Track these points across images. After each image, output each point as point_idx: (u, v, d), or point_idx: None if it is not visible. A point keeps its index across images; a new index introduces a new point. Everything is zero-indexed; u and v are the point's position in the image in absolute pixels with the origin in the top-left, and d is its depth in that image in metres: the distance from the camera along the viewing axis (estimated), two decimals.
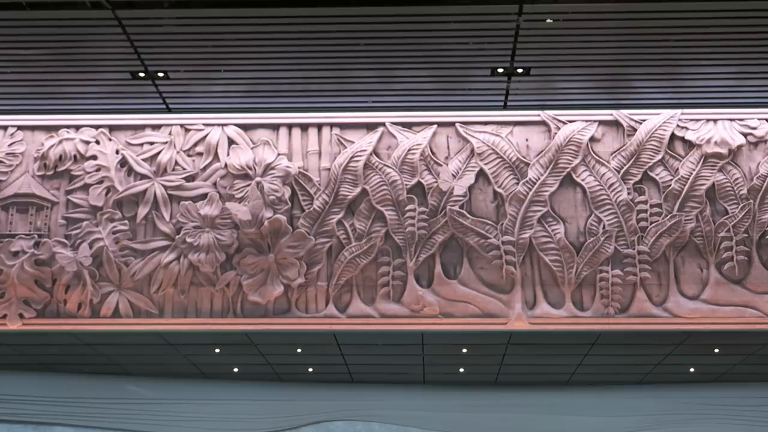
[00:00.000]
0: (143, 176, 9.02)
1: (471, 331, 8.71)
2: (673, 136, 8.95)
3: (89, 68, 8.03)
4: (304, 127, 9.10)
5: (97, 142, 9.10)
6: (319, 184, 8.93)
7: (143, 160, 9.06)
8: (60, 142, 9.09)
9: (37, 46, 7.61)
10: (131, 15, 7.05)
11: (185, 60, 7.93)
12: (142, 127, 9.15)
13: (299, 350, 9.60)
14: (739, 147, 8.89)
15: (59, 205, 9.01)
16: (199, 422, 10.61)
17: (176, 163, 9.03)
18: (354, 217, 8.88)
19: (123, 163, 9.06)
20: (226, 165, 8.99)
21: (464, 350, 9.57)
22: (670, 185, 8.83)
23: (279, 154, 9.00)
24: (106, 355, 9.78)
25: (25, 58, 7.81)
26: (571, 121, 8.99)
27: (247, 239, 8.80)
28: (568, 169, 8.88)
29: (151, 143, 9.10)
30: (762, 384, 10.63)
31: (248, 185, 8.90)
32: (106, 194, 8.97)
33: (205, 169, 9.03)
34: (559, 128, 8.96)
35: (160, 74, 8.13)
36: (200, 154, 9.07)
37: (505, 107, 8.93)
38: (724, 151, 8.86)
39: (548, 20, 7.15)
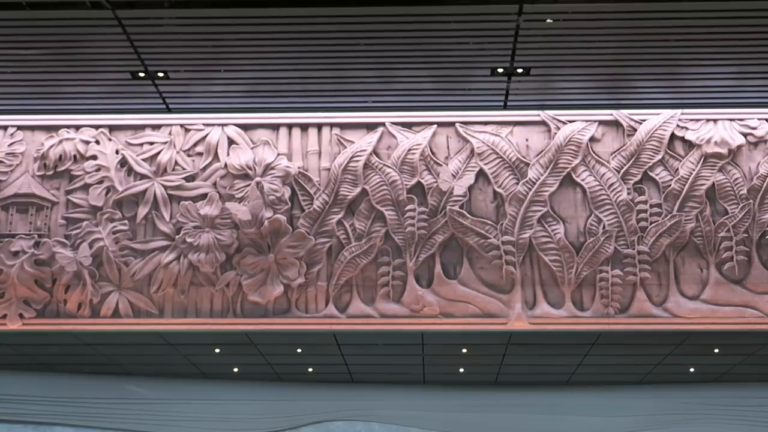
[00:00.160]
0: (143, 176, 9.02)
1: (471, 331, 8.71)
2: (673, 136, 8.95)
3: (89, 68, 8.03)
4: (304, 127, 9.10)
5: (97, 142, 9.10)
6: (319, 184, 8.93)
7: (143, 160, 9.06)
8: (60, 142, 9.09)
9: (37, 46, 7.61)
10: (131, 15, 7.05)
11: (185, 60, 7.93)
12: (142, 127, 9.15)
13: (299, 350, 9.60)
14: (739, 147, 8.89)
15: (59, 205, 9.01)
16: (199, 422, 10.61)
17: (176, 163, 9.03)
18: (354, 217, 8.88)
19: (123, 163, 9.06)
20: (226, 165, 8.99)
21: (464, 350, 9.57)
22: (670, 185, 8.83)
23: (279, 154, 9.00)
24: (106, 355, 9.78)
25: (25, 58, 7.81)
26: (571, 121, 8.99)
27: (247, 239, 8.80)
28: (568, 169, 8.88)
29: (151, 143, 9.11)
30: (762, 384, 10.62)
31: (248, 185, 8.90)
32: (106, 194, 8.97)
33: (205, 169, 9.03)
34: (559, 128, 8.96)
35: (160, 74, 8.13)
36: (200, 154, 9.07)
37: (505, 107, 8.93)
38: (724, 151, 8.86)
39: (548, 20, 7.15)
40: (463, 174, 8.93)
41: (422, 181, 8.92)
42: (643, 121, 8.95)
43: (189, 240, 8.77)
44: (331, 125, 9.09)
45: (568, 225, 8.82)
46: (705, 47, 7.67)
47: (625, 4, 6.93)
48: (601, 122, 9.01)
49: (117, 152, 9.07)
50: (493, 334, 8.79)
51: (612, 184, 8.84)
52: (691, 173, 8.84)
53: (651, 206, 8.82)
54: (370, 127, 9.08)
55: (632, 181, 8.86)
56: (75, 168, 9.06)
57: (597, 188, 8.84)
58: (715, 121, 8.97)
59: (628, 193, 8.82)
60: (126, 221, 8.91)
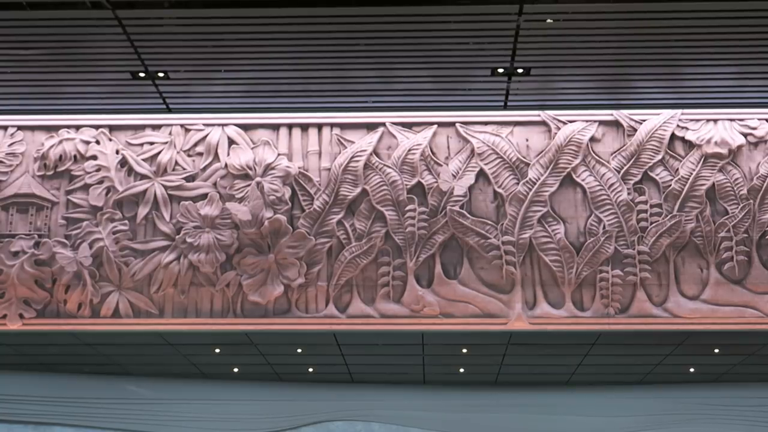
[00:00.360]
0: (143, 176, 9.02)
1: (471, 331, 8.71)
2: (673, 136, 8.95)
3: (89, 68, 8.03)
4: (305, 127, 9.10)
5: (98, 142, 9.10)
6: (320, 184, 8.93)
7: (143, 160, 9.06)
8: (60, 142, 9.09)
9: (37, 46, 7.61)
10: (131, 15, 7.05)
11: (185, 60, 7.93)
12: (143, 127, 9.15)
13: (299, 350, 9.60)
14: (739, 147, 8.89)
15: (59, 205, 9.01)
16: (199, 422, 10.61)
17: (176, 163, 9.03)
18: (354, 217, 8.88)
19: (123, 163, 9.06)
20: (226, 165, 8.99)
21: (464, 350, 9.57)
22: (670, 185, 8.83)
23: (279, 154, 9.00)
24: (106, 355, 9.78)
25: (25, 58, 7.80)
26: (571, 121, 8.99)
27: (247, 239, 8.80)
28: (568, 170, 8.88)
29: (152, 143, 9.11)
30: (762, 384, 10.63)
31: (248, 185, 8.90)
32: (106, 194, 8.97)
33: (205, 169, 9.03)
34: (559, 128, 8.96)
35: (161, 74, 8.13)
36: (200, 154, 9.07)
37: (505, 107, 8.93)
38: (724, 151, 8.86)
39: (548, 20, 7.15)
40: (463, 174, 8.93)
41: (422, 181, 8.92)
42: (644, 121, 8.95)
43: (189, 240, 8.77)
44: (332, 125, 9.09)
45: (568, 225, 8.82)
46: (705, 47, 7.67)
47: (625, 4, 6.93)
48: (601, 122, 9.01)
49: (117, 152, 9.07)
50: (494, 334, 8.79)
51: (612, 184, 8.84)
52: (692, 173, 8.84)
53: (651, 206, 8.82)
54: (371, 127, 9.08)
55: (632, 181, 8.86)
56: (75, 168, 9.06)
57: (597, 188, 8.84)
58: (715, 121, 8.97)
59: (629, 193, 8.82)
60: (126, 221, 8.91)
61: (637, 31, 7.34)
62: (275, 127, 9.11)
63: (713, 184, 8.83)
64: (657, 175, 8.89)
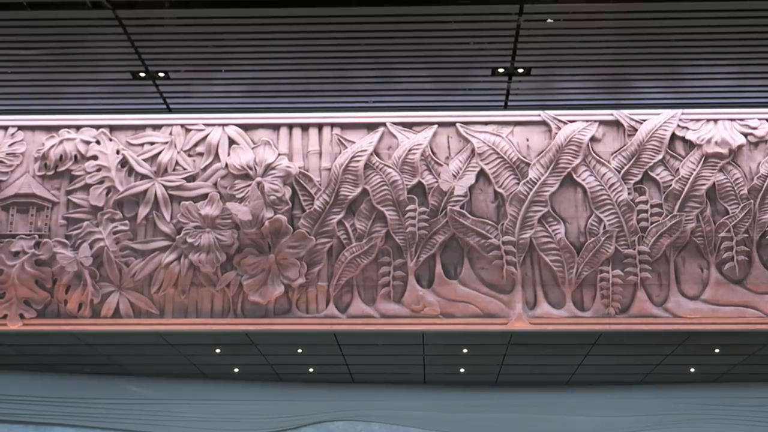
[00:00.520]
0: (144, 176, 9.02)
1: (471, 332, 8.70)
2: (673, 136, 8.95)
3: (90, 68, 8.03)
4: (305, 127, 9.10)
5: (98, 142, 9.10)
6: (320, 184, 8.93)
7: (144, 160, 9.06)
8: (60, 142, 9.09)
9: (38, 46, 7.61)
10: (132, 15, 7.05)
11: (186, 60, 7.93)
12: (143, 127, 9.15)
13: (300, 350, 9.60)
14: (740, 147, 8.89)
15: (60, 206, 9.01)
16: (199, 422, 10.60)
17: (177, 163, 9.03)
18: (354, 217, 8.88)
19: (123, 163, 9.06)
20: (226, 165, 8.99)
21: (465, 350, 9.57)
22: (670, 185, 8.83)
23: (279, 154, 9.00)
24: (107, 355, 9.78)
25: (25, 58, 7.81)
26: (571, 121, 8.99)
27: (247, 239, 8.80)
28: (568, 169, 8.88)
29: (152, 143, 9.11)
30: (762, 384, 10.62)
31: (249, 185, 8.90)
32: (107, 194, 8.97)
33: (205, 169, 9.03)
34: (559, 128, 8.96)
35: (161, 74, 8.13)
36: (201, 154, 9.07)
37: (505, 107, 8.93)
38: (724, 151, 8.86)
39: (549, 20, 7.15)
40: (463, 174, 8.93)
41: (423, 181, 8.92)
42: (644, 121, 8.95)
43: (189, 240, 8.77)
44: (332, 125, 9.09)
45: (568, 225, 8.82)
46: (705, 47, 7.67)
47: (625, 4, 6.93)
48: (601, 122, 9.01)
49: (118, 152, 9.07)
50: (494, 335, 8.79)
51: (612, 184, 8.84)
52: (692, 173, 8.84)
53: (651, 206, 8.82)
54: (371, 127, 9.08)
55: (633, 181, 8.86)
56: (75, 168, 9.06)
57: (597, 188, 8.84)
58: (715, 121, 8.97)
59: (629, 193, 8.82)
60: (126, 221, 8.91)
61: (637, 31, 7.34)
62: (276, 127, 9.11)
63: (714, 184, 8.83)
64: (657, 175, 8.88)
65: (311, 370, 10.50)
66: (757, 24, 7.20)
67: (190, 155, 9.08)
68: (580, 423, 10.66)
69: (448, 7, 6.98)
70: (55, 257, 8.79)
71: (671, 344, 9.16)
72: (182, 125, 9.13)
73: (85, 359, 9.94)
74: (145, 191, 8.97)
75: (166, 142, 9.08)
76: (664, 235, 8.72)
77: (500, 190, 8.87)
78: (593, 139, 8.96)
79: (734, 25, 7.26)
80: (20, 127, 9.18)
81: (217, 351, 9.67)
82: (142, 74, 8.11)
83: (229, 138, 9.06)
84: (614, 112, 8.99)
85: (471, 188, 8.91)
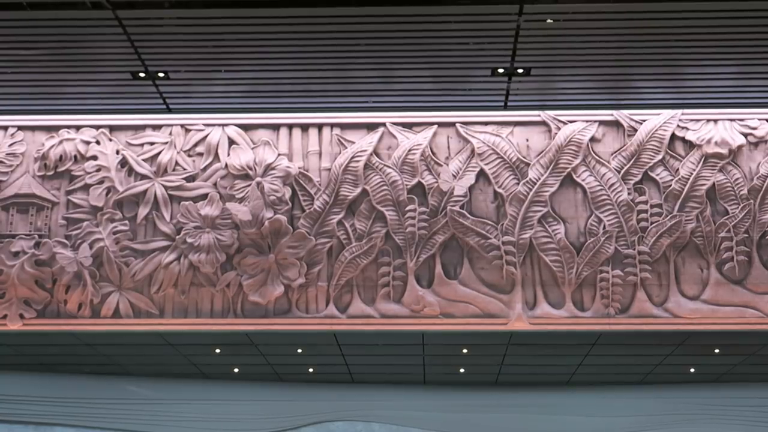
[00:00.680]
0: (144, 176, 9.02)
1: (471, 332, 8.70)
2: (673, 137, 8.95)
3: (89, 68, 8.03)
4: (305, 128, 9.10)
5: (98, 143, 9.10)
6: (320, 185, 8.93)
7: (144, 160, 9.06)
8: (60, 142, 9.09)
9: (38, 46, 7.61)
10: (132, 15, 7.05)
11: (186, 60, 7.93)
12: (143, 128, 9.15)
13: (300, 350, 9.60)
14: (740, 147, 8.89)
15: (59, 206, 9.01)
16: (199, 422, 10.60)
17: (177, 163, 9.03)
18: (354, 217, 8.88)
19: (123, 163, 9.06)
20: (226, 165, 8.99)
21: (465, 350, 9.57)
22: (670, 185, 8.83)
23: (279, 155, 9.00)
24: (107, 356, 9.78)
25: (25, 58, 7.81)
26: (571, 122, 8.99)
27: (247, 239, 8.80)
28: (568, 170, 8.88)
29: (152, 143, 9.11)
30: (762, 384, 10.62)
31: (249, 185, 8.90)
32: (107, 194, 8.97)
33: (205, 169, 9.03)
34: (559, 128, 8.96)
35: (161, 74, 8.13)
36: (201, 154, 9.07)
37: (505, 107, 8.93)
38: (724, 151, 8.86)
39: (548, 20, 7.15)
40: (463, 174, 8.93)
41: (423, 181, 8.92)
42: (644, 121, 8.95)
43: (189, 240, 8.77)
44: (332, 125, 9.09)
45: (568, 225, 8.82)
46: (705, 47, 7.67)
47: (625, 4, 6.93)
48: (601, 122, 9.01)
49: (117, 152, 9.07)
50: (494, 335, 8.79)
51: (612, 185, 8.84)
52: (692, 173, 8.84)
53: (651, 206, 8.82)
54: (371, 127, 9.08)
55: (633, 182, 8.86)
56: (75, 168, 9.06)
57: (597, 188, 8.84)
58: (715, 121, 8.97)
59: (629, 194, 8.82)
60: (126, 221, 8.91)
61: (637, 31, 7.34)
62: (275, 128, 9.11)
63: (713, 184, 8.83)
64: (657, 175, 8.88)
65: (311, 370, 10.50)
66: (757, 24, 7.20)
67: (190, 155, 9.08)
68: (580, 423, 10.66)
69: (448, 7, 6.98)
70: (55, 257, 8.79)
71: (671, 344, 9.16)
72: (182, 125, 9.13)
73: (85, 359, 9.94)
74: (145, 191, 8.97)
75: (166, 143, 9.08)
76: (664, 235, 8.72)
77: (500, 190, 8.87)
78: (593, 139, 8.96)
79: (734, 25, 7.26)
80: (20, 127, 9.18)
81: (217, 351, 9.67)
82: (142, 74, 8.11)
83: (229, 138, 9.06)
84: (614, 112, 8.99)
85: (471, 188, 8.91)
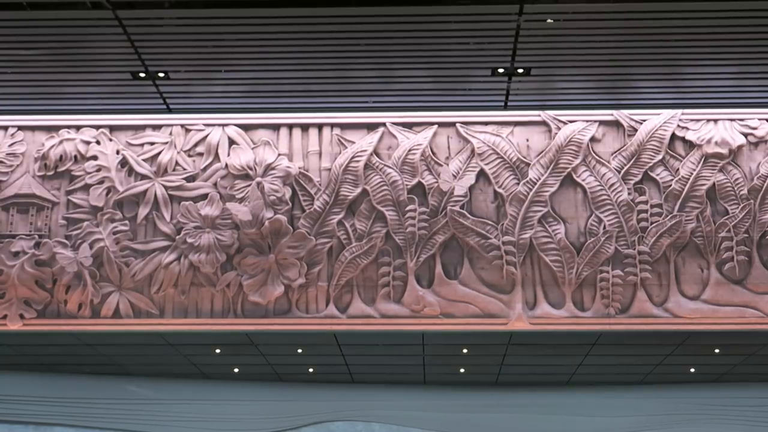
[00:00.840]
0: (144, 176, 9.02)
1: (471, 332, 8.70)
2: (673, 137, 8.95)
3: (90, 68, 8.03)
4: (305, 128, 9.10)
5: (98, 143, 9.10)
6: (320, 185, 8.93)
7: (144, 160, 9.06)
8: (60, 142, 9.09)
9: (38, 46, 7.61)
10: (132, 15, 7.05)
11: (186, 60, 7.93)
12: (143, 128, 9.15)
13: (300, 350, 9.60)
14: (740, 147, 8.89)
15: (60, 206, 9.01)
16: (199, 422, 10.61)
17: (177, 163, 9.03)
18: (354, 217, 8.88)
19: (123, 163, 9.06)
20: (226, 165, 8.99)
21: (465, 350, 9.57)
22: (670, 185, 8.83)
23: (279, 155, 9.00)
24: (107, 356, 9.78)
25: (25, 58, 7.81)
26: (571, 122, 8.99)
27: (247, 239, 8.80)
28: (568, 170, 8.88)
29: (152, 143, 9.11)
30: (762, 384, 10.63)
31: (249, 185, 8.90)
32: (107, 194, 8.97)
33: (205, 169, 9.03)
34: (559, 128, 8.96)
35: (161, 74, 8.13)
36: (201, 154, 9.07)
37: (505, 107, 8.93)
38: (724, 151, 8.86)
39: (549, 20, 7.15)
40: (463, 174, 8.93)
41: (423, 181, 8.92)
42: (644, 121, 8.95)
43: (189, 240, 8.77)
44: (332, 125, 9.09)
45: (568, 225, 8.82)
46: (705, 47, 7.67)
47: (625, 4, 6.93)
48: (601, 122, 9.01)
49: (117, 152, 9.07)
50: (494, 335, 8.79)
51: (612, 185, 8.84)
52: (692, 173, 8.84)
53: (651, 206, 8.81)
54: (371, 127, 9.08)
55: (633, 182, 8.86)
56: (75, 168, 9.06)
57: (597, 188, 8.84)
58: (715, 121, 8.97)
59: (629, 194, 8.82)
60: (126, 221, 8.91)
61: (637, 31, 7.34)
62: (275, 128, 9.11)
63: (714, 184, 8.83)
64: (657, 175, 8.88)
65: (311, 370, 10.50)
66: (757, 24, 7.20)
67: (190, 155, 9.08)
68: (580, 423, 10.66)
69: (448, 7, 6.98)
70: (55, 257, 8.79)
71: (671, 344, 9.16)
72: (182, 125, 9.13)
73: (85, 359, 9.94)
74: (145, 191, 8.97)
75: (166, 143, 9.08)
76: (664, 235, 8.72)
77: (500, 190, 8.87)
78: (593, 139, 8.96)
79: (734, 25, 7.26)
80: (20, 127, 9.18)
81: (217, 351, 9.67)
82: (142, 74, 8.11)
83: (229, 138, 9.06)
84: (614, 112, 8.99)
85: (471, 188, 8.91)
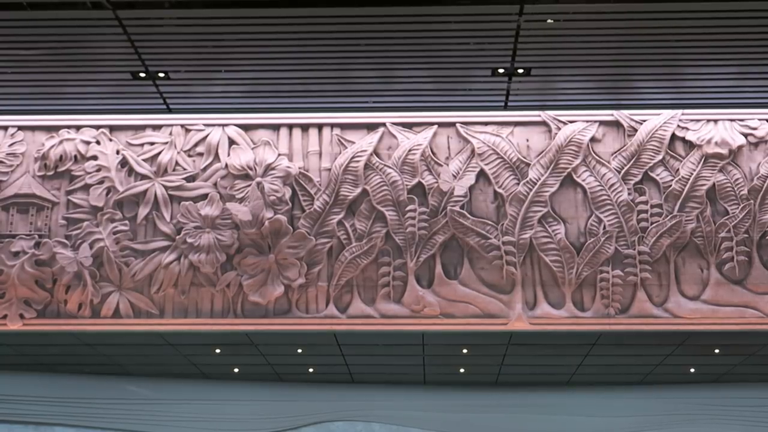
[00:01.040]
0: (144, 176, 9.02)
1: (471, 332, 8.70)
2: (673, 137, 8.95)
3: (90, 68, 8.03)
4: (305, 128, 9.10)
5: (98, 143, 9.10)
6: (320, 185, 8.93)
7: (144, 160, 9.06)
8: (60, 142, 9.09)
9: (38, 46, 7.61)
10: (132, 15, 7.05)
11: (186, 60, 7.93)
12: (143, 128, 9.15)
13: (300, 350, 9.60)
14: (740, 147, 8.89)
15: (60, 206, 9.01)
16: (200, 422, 10.60)
17: (177, 163, 9.03)
18: (354, 217, 8.88)
19: (123, 163, 9.06)
20: (226, 165, 8.99)
21: (465, 350, 9.57)
22: (670, 185, 8.83)
23: (279, 155, 9.00)
24: (107, 356, 9.78)
25: (25, 58, 7.81)
26: (571, 122, 8.99)
27: (247, 239, 8.80)
28: (568, 170, 8.88)
29: (152, 143, 9.11)
30: (762, 384, 10.62)
31: (249, 185, 8.90)
32: (107, 194, 8.97)
33: (205, 169, 9.03)
34: (559, 128, 8.96)
35: (161, 74, 8.13)
36: (201, 154, 9.07)
37: (505, 107, 8.93)
38: (724, 151, 8.86)
39: (549, 20, 7.15)
40: (463, 174, 8.93)
41: (423, 181, 8.92)
42: (644, 121, 8.95)
43: (189, 240, 8.77)
44: (332, 125, 9.09)
45: (568, 225, 8.82)
46: (705, 47, 7.67)
47: (625, 4, 6.93)
48: (601, 122, 9.01)
49: (117, 152, 9.07)
50: (494, 335, 8.79)
51: (612, 185, 8.84)
52: (692, 173, 8.84)
53: (651, 206, 8.82)
54: (371, 127, 9.08)
55: (633, 182, 8.86)
56: (75, 168, 9.06)
57: (597, 188, 8.84)
58: (715, 121, 8.97)
59: (629, 194, 8.82)
60: (126, 221, 8.91)
61: (637, 31, 7.34)
62: (275, 128, 9.11)
63: (714, 184, 8.83)
64: (657, 175, 8.89)
65: (311, 370, 10.50)
66: (757, 24, 7.20)
67: (190, 155, 9.09)
68: (580, 423, 10.66)
69: (448, 7, 6.98)
70: (55, 257, 8.79)
71: (671, 344, 9.16)
72: (182, 125, 9.14)
73: (85, 359, 9.94)
74: (145, 191, 8.97)
75: (166, 143, 9.08)
76: (664, 235, 8.72)
77: (500, 191, 8.87)
78: (593, 139, 8.96)
79: (734, 25, 7.26)
80: (20, 127, 9.18)
81: (217, 351, 9.67)
82: (142, 74, 8.11)
83: (229, 138, 9.06)
84: (614, 112, 8.99)
85: (471, 188, 8.91)
